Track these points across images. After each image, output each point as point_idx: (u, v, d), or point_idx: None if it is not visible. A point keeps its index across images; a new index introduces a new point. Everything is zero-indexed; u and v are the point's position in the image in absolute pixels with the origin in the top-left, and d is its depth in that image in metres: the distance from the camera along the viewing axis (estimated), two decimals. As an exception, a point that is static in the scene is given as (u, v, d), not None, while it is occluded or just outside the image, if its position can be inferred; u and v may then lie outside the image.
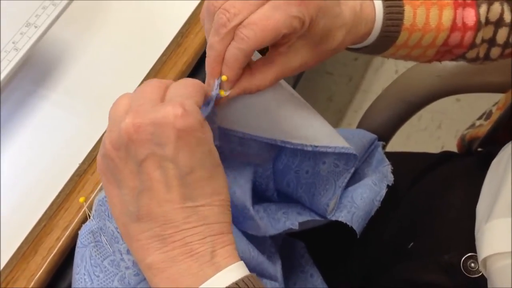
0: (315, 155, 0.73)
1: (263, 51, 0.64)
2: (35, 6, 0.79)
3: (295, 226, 0.73)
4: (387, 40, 0.67)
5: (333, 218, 0.75)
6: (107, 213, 0.66)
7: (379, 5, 0.66)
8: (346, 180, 0.74)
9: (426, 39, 0.68)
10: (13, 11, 0.79)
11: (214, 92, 0.60)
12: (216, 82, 0.60)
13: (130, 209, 0.55)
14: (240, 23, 0.57)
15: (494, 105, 0.96)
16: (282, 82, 0.67)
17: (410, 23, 0.66)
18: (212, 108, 0.61)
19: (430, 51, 0.70)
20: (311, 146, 0.68)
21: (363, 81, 2.05)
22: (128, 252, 0.65)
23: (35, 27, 0.78)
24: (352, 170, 0.73)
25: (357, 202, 0.77)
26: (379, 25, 0.66)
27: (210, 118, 0.61)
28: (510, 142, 0.73)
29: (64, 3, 0.80)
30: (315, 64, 0.65)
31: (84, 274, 0.65)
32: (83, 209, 0.76)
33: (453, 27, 0.68)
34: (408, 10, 0.66)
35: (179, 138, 0.53)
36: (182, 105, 0.53)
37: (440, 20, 0.67)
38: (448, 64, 1.01)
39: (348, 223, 0.75)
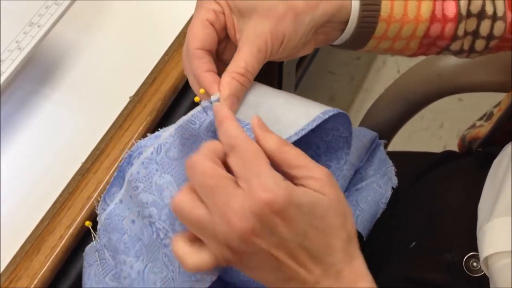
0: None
1: None
2: (38, 6, 0.79)
3: None
4: (365, 31, 0.68)
5: None
6: (111, 225, 0.67)
7: None
8: (339, 178, 0.74)
9: (406, 31, 0.68)
10: (16, 11, 0.79)
11: (203, 103, 0.63)
12: (202, 102, 0.63)
13: (273, 279, 0.58)
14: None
15: (495, 106, 0.96)
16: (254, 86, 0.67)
17: (387, 14, 0.67)
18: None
19: (413, 43, 0.70)
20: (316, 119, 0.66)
21: (365, 80, 2.05)
22: (125, 262, 0.66)
23: (38, 26, 0.78)
24: (344, 167, 0.73)
25: (361, 205, 0.78)
26: (355, 18, 0.66)
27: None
28: (510, 142, 0.73)
29: (67, 2, 0.80)
30: (282, 34, 0.64)
31: None
32: (85, 208, 0.76)
33: (433, 19, 0.68)
34: (385, 2, 0.67)
35: (282, 218, 0.54)
36: (262, 187, 0.54)
37: (418, 12, 0.67)
38: (449, 63, 1.02)
39: None
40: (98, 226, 0.69)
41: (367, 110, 1.10)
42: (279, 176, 0.55)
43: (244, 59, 0.63)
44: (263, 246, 0.55)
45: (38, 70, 0.85)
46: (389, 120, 1.07)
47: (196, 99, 0.64)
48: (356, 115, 1.95)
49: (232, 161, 0.57)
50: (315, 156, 0.74)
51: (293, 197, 0.54)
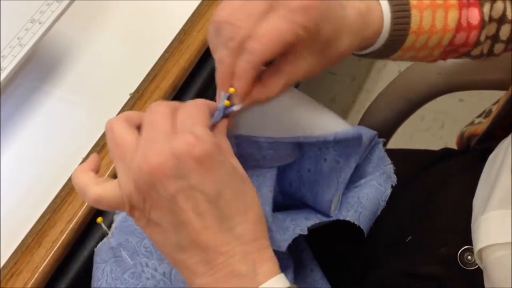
0: (316, 154, 0.74)
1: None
2: (40, 3, 0.80)
3: (304, 232, 0.73)
4: (395, 43, 0.68)
5: (341, 218, 0.76)
6: (130, 228, 0.68)
7: (386, 10, 0.66)
8: (348, 176, 0.74)
9: (433, 40, 0.69)
10: (17, 7, 0.80)
11: (220, 105, 0.61)
12: (223, 96, 0.60)
13: (172, 241, 0.56)
14: (247, 36, 0.58)
15: (494, 104, 0.97)
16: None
17: (417, 26, 0.67)
18: (220, 119, 0.61)
19: (437, 51, 0.71)
20: (332, 135, 0.68)
21: (366, 81, 2.05)
22: (147, 265, 0.67)
23: (40, 23, 0.79)
24: (353, 166, 0.74)
25: (363, 202, 0.78)
26: (386, 30, 0.66)
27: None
28: (506, 137, 0.73)
29: (67, 0, 0.81)
30: (322, 69, 0.64)
31: None
32: (85, 204, 0.77)
33: (459, 28, 0.68)
34: (415, 14, 0.66)
35: (200, 166, 0.53)
36: (193, 133, 0.54)
37: (446, 21, 0.68)
38: (448, 62, 1.01)
39: (356, 223, 0.75)
40: (113, 225, 0.70)
41: (367, 108, 1.11)
42: (212, 134, 0.55)
43: (284, 86, 0.62)
44: (170, 188, 0.53)
45: (39, 66, 0.86)
46: (389, 118, 1.07)
47: (227, 102, 0.61)
48: (357, 116, 1.95)
49: (179, 114, 0.57)
50: (324, 148, 0.74)
51: (221, 151, 0.54)
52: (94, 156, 0.61)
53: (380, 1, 0.66)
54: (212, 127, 0.60)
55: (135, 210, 0.56)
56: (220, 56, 0.59)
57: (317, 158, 0.74)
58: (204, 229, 0.55)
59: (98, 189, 0.57)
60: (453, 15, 0.68)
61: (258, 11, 0.58)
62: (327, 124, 0.70)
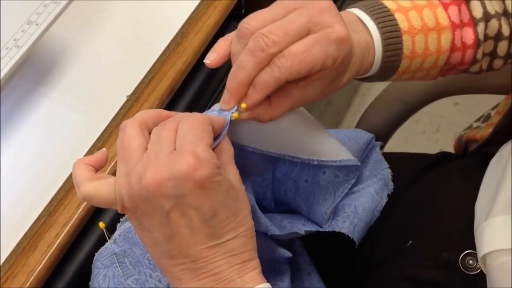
0: (316, 165, 0.73)
1: None
2: (37, 4, 0.80)
3: (301, 231, 0.73)
4: (389, 69, 0.68)
5: (336, 229, 0.76)
6: (133, 240, 0.69)
7: (377, 38, 0.66)
8: (346, 191, 0.74)
9: (428, 62, 0.69)
10: (14, 9, 0.80)
11: (228, 116, 0.60)
12: (235, 108, 0.60)
13: (162, 249, 0.57)
14: (279, 51, 0.57)
15: (493, 109, 0.97)
16: None
17: (409, 51, 0.67)
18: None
19: (434, 71, 0.71)
20: (317, 160, 0.70)
21: (362, 84, 2.05)
22: (151, 276, 0.68)
23: (36, 25, 0.79)
24: (352, 181, 0.74)
25: (359, 213, 0.78)
26: (379, 58, 0.66)
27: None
28: (509, 141, 0.73)
29: (65, 1, 0.80)
30: (323, 97, 0.64)
31: None
32: (82, 206, 0.77)
33: (453, 48, 0.69)
34: (406, 39, 0.66)
35: (198, 188, 0.54)
36: (195, 155, 0.53)
37: (439, 44, 0.68)
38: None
39: (350, 235, 0.75)
40: (117, 232, 0.70)
41: (364, 111, 1.10)
42: (213, 153, 0.55)
43: (288, 109, 0.62)
44: (166, 206, 0.54)
45: (35, 68, 0.85)
46: (385, 121, 1.07)
47: (235, 115, 0.60)
48: (353, 118, 1.95)
49: (180, 128, 0.56)
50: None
51: (220, 172, 0.54)
52: (101, 152, 0.60)
53: (371, 31, 0.66)
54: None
55: (127, 211, 0.57)
56: (243, 62, 0.58)
57: (316, 170, 0.74)
58: (195, 244, 0.56)
59: (90, 187, 0.57)
60: (446, 37, 0.68)
61: (295, 31, 0.58)
62: (320, 148, 0.70)
